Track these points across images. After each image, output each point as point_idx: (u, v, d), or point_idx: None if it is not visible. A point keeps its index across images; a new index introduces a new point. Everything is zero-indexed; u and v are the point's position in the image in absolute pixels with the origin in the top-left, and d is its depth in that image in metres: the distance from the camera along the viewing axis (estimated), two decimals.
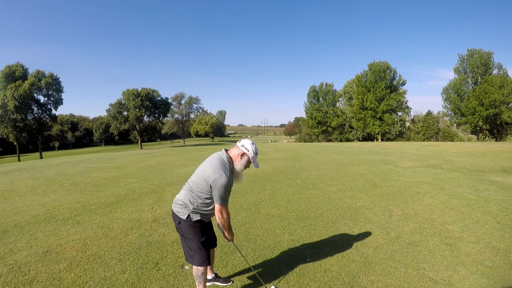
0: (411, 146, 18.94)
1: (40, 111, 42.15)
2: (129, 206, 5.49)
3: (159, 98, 53.17)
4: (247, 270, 3.04)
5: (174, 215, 2.46)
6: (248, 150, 2.38)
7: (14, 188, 7.57)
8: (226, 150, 2.47)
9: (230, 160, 2.39)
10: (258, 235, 3.95)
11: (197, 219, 2.38)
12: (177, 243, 3.67)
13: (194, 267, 2.44)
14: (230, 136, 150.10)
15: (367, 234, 3.90)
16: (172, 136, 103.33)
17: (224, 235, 2.50)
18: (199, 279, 2.45)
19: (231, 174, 2.33)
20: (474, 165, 9.36)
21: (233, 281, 2.84)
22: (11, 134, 39.93)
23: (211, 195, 2.31)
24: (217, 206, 2.32)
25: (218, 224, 2.44)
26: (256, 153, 2.39)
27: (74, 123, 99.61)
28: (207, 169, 2.32)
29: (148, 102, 49.97)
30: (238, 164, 2.38)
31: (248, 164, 2.43)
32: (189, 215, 2.36)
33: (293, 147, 23.66)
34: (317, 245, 3.61)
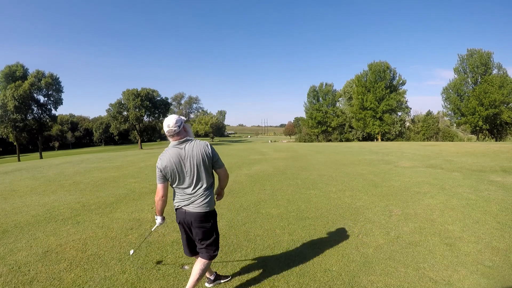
0: (411, 146, 18.95)
1: (40, 111, 42.16)
2: (129, 206, 5.50)
3: (159, 98, 53.18)
4: (247, 270, 3.04)
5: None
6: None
7: (14, 188, 7.57)
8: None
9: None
10: (258, 235, 3.96)
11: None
12: (177, 243, 3.67)
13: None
14: (230, 136, 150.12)
15: (367, 234, 3.90)
16: None
17: None
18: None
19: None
20: (474, 165, 9.37)
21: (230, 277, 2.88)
22: (11, 134, 39.93)
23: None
24: None
25: None
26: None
27: (74, 123, 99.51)
28: None
29: (148, 102, 49.99)
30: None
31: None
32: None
33: (293, 147, 23.66)
34: (317, 245, 3.61)
